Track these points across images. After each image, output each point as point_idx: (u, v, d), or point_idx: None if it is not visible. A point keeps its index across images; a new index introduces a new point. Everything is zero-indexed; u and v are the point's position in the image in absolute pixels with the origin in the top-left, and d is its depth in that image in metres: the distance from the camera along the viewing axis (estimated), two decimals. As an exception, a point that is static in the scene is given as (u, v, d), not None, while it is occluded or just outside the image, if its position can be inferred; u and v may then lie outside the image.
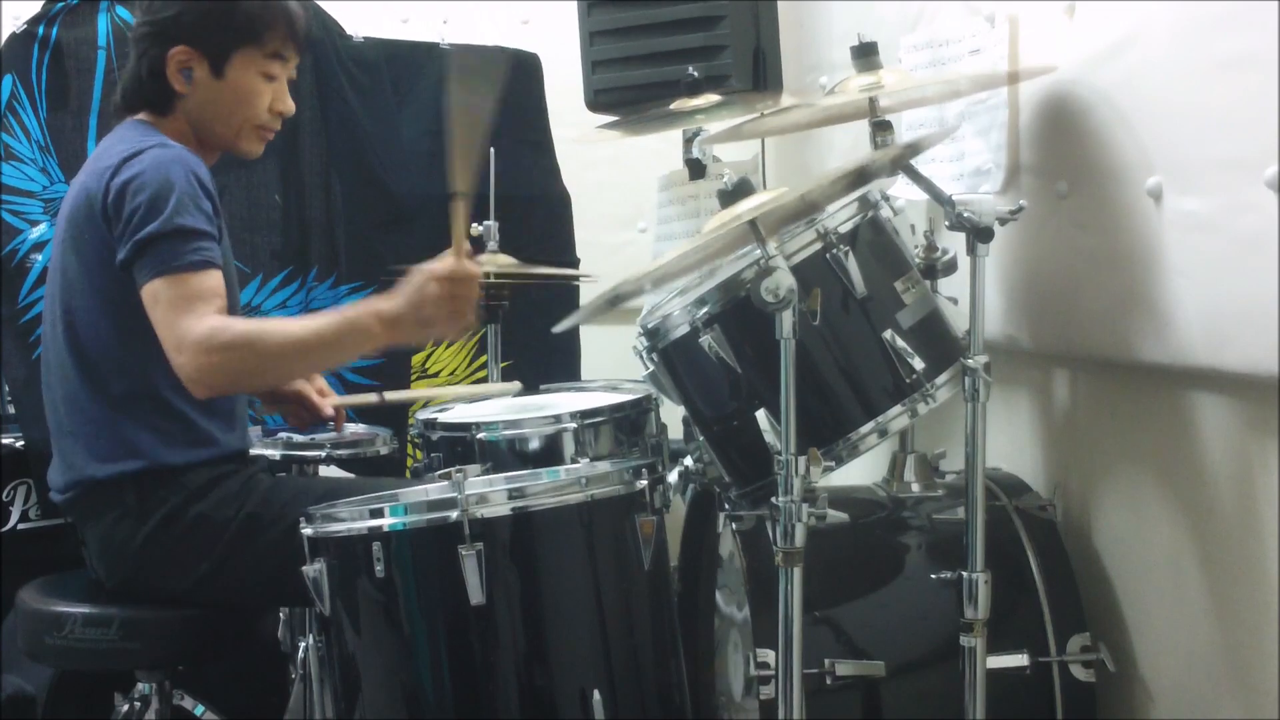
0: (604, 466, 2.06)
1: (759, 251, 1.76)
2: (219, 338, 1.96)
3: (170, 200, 2.02)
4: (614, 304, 1.98)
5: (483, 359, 3.26)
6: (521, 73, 3.40)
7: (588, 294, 3.10)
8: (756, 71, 2.79)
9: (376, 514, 1.91)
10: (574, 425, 2.37)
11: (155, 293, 2.00)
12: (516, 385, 2.70)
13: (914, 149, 2.01)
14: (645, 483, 1.96)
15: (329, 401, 2.52)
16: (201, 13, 2.16)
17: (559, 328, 2.15)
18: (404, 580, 1.89)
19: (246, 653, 2.45)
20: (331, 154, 3.22)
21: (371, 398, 2.63)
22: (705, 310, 1.93)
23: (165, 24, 2.16)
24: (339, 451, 2.68)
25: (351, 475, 2.78)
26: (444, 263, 2.02)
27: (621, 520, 1.95)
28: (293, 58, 2.26)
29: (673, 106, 2.43)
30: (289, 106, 2.27)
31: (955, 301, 2.04)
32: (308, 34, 2.30)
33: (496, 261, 2.84)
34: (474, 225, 2.91)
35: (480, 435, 2.38)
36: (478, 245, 2.89)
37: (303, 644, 2.45)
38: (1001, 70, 2.16)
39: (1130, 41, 1.89)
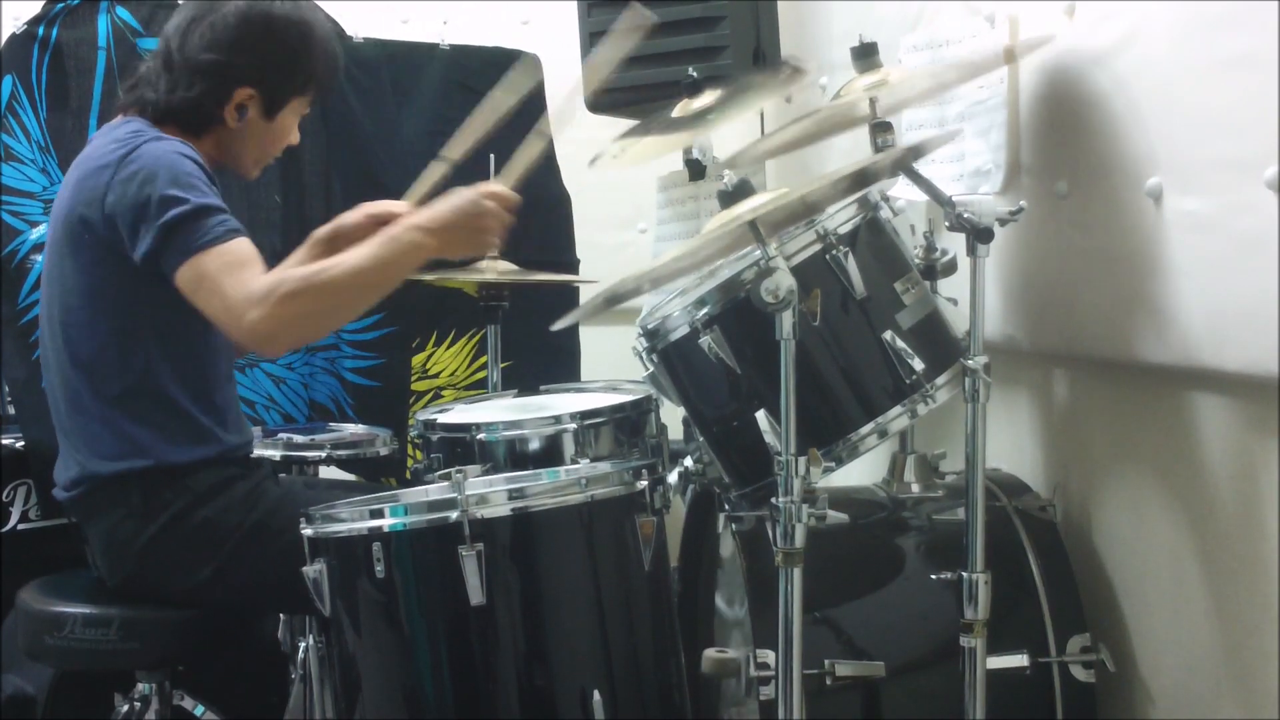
0: (604, 467, 2.06)
1: (759, 252, 1.76)
2: (283, 288, 1.97)
3: (183, 183, 2.04)
4: (612, 304, 1.99)
5: (482, 360, 3.26)
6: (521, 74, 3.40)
7: (588, 295, 3.10)
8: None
9: (377, 514, 1.91)
10: (574, 426, 2.37)
11: (194, 272, 2.00)
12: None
13: (916, 152, 2.01)
14: (645, 483, 1.97)
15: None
16: (274, 61, 2.22)
17: (558, 325, 2.16)
18: (404, 581, 1.89)
19: (246, 653, 2.46)
20: (331, 154, 3.22)
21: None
22: (705, 311, 1.93)
23: (238, 65, 2.19)
24: (339, 452, 2.68)
25: (353, 478, 2.78)
26: (481, 187, 2.16)
27: (621, 521, 1.95)
28: (318, 99, 2.37)
29: (675, 111, 2.42)
30: (297, 138, 2.36)
31: (955, 302, 2.04)
32: None
33: (496, 267, 2.84)
34: None
35: (480, 436, 2.38)
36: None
37: (303, 644, 2.45)
38: (1002, 76, 2.15)
39: (1130, 41, 1.89)
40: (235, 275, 1.99)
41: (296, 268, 2.09)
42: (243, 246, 2.03)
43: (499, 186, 2.20)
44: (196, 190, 2.04)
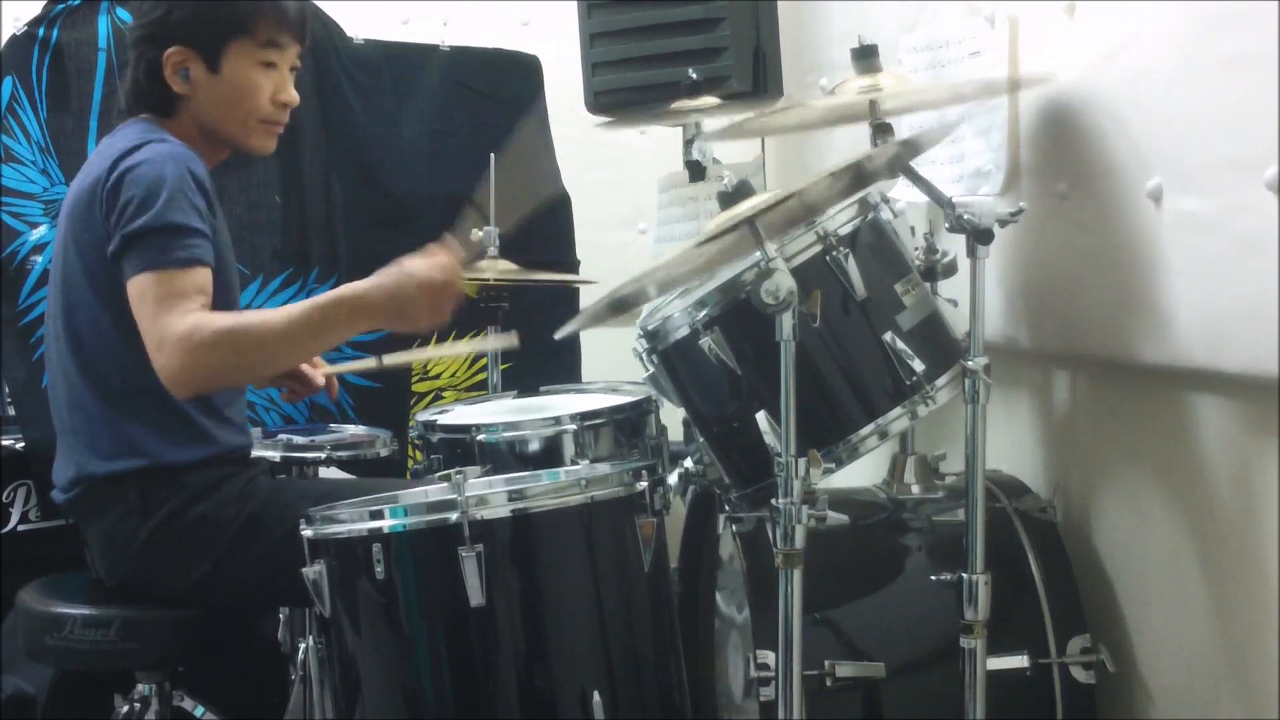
0: (604, 468, 2.06)
1: (759, 253, 1.76)
2: (198, 335, 1.93)
3: (162, 195, 2.01)
4: (615, 309, 1.99)
5: (483, 361, 3.26)
6: (521, 74, 3.40)
7: (588, 296, 3.10)
8: (756, 73, 2.79)
9: (376, 515, 1.91)
10: (574, 427, 2.37)
11: (141, 288, 1.99)
12: (513, 339, 2.59)
13: (912, 146, 2.01)
14: (645, 484, 1.96)
15: (320, 371, 2.47)
16: (190, 10, 2.16)
17: (560, 334, 2.15)
18: (404, 582, 1.89)
19: (246, 653, 2.45)
20: (331, 154, 3.22)
21: (370, 362, 2.52)
22: (705, 312, 1.93)
23: (156, 26, 2.16)
24: (339, 453, 2.68)
25: (351, 477, 2.78)
26: (426, 262, 2.02)
27: (621, 522, 1.95)
28: (290, 45, 2.22)
29: (672, 107, 2.43)
30: (292, 96, 2.24)
31: (955, 303, 2.04)
32: (302, 20, 2.26)
33: (496, 267, 2.84)
34: (473, 231, 2.91)
35: (480, 437, 2.38)
36: (477, 251, 2.89)
37: (303, 645, 2.45)
38: (1002, 76, 2.15)
39: (1130, 42, 1.89)
40: (167, 306, 1.95)
41: (223, 314, 2.00)
42: (191, 277, 1.99)
43: (448, 259, 2.04)
44: (174, 205, 2.01)
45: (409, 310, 2.03)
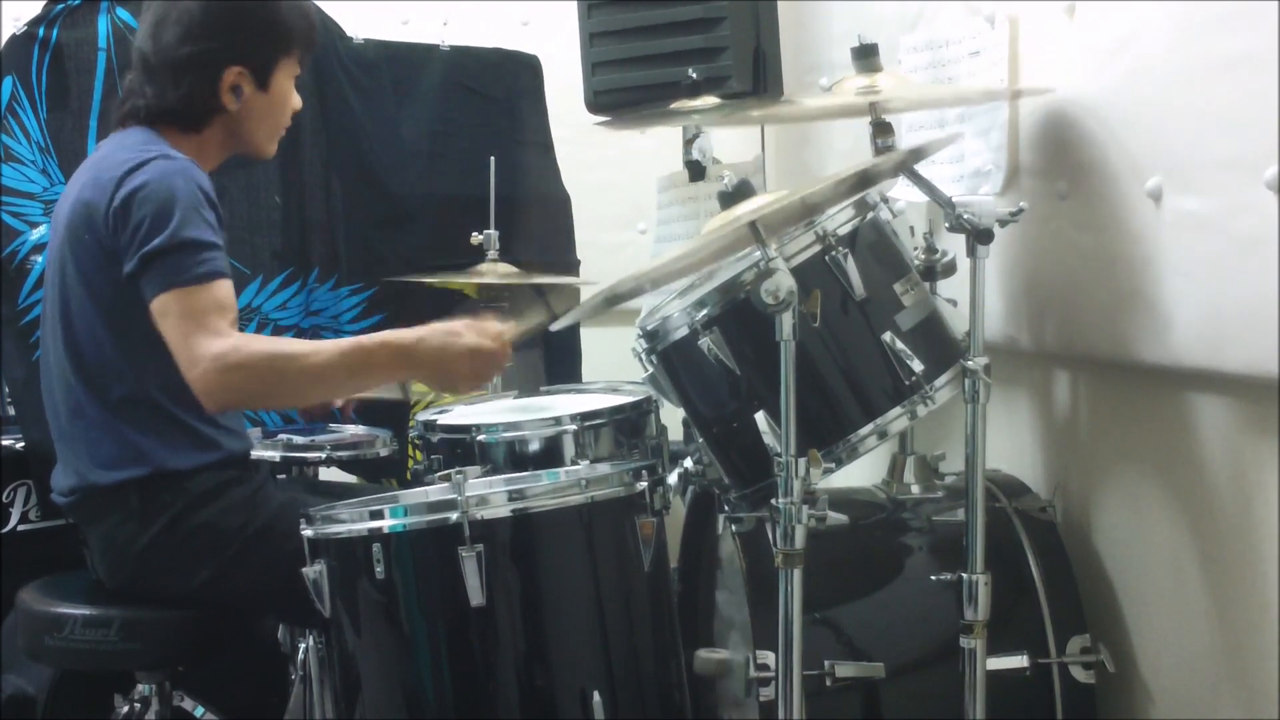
0: (604, 468, 2.06)
1: (759, 253, 1.76)
2: (235, 356, 1.95)
3: (175, 212, 2.02)
4: (612, 304, 1.99)
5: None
6: (521, 74, 3.40)
7: (588, 296, 3.10)
8: (756, 72, 2.79)
9: (377, 515, 1.91)
10: (574, 427, 2.37)
11: (165, 307, 2.00)
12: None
13: (918, 154, 2.02)
14: (645, 484, 1.97)
15: None
16: (249, 32, 2.19)
17: (557, 326, 2.16)
18: (404, 582, 1.89)
19: (246, 653, 2.46)
20: (331, 154, 3.22)
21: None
22: (705, 312, 1.93)
23: (215, 48, 2.17)
24: (339, 453, 2.68)
25: (354, 479, 2.78)
26: (477, 327, 2.06)
27: (621, 522, 1.95)
28: (308, 55, 2.31)
29: (672, 108, 2.43)
30: (299, 102, 2.31)
31: (955, 303, 2.04)
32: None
33: (497, 270, 2.84)
34: (474, 234, 2.92)
35: (480, 437, 2.38)
36: (477, 252, 2.90)
37: (303, 645, 2.45)
38: (1003, 81, 2.15)
39: (1130, 42, 1.88)
40: (198, 323, 1.97)
41: (263, 339, 2.03)
42: (216, 291, 2.01)
43: (501, 331, 2.09)
44: (188, 222, 2.02)
45: (451, 371, 2.06)
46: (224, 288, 2.03)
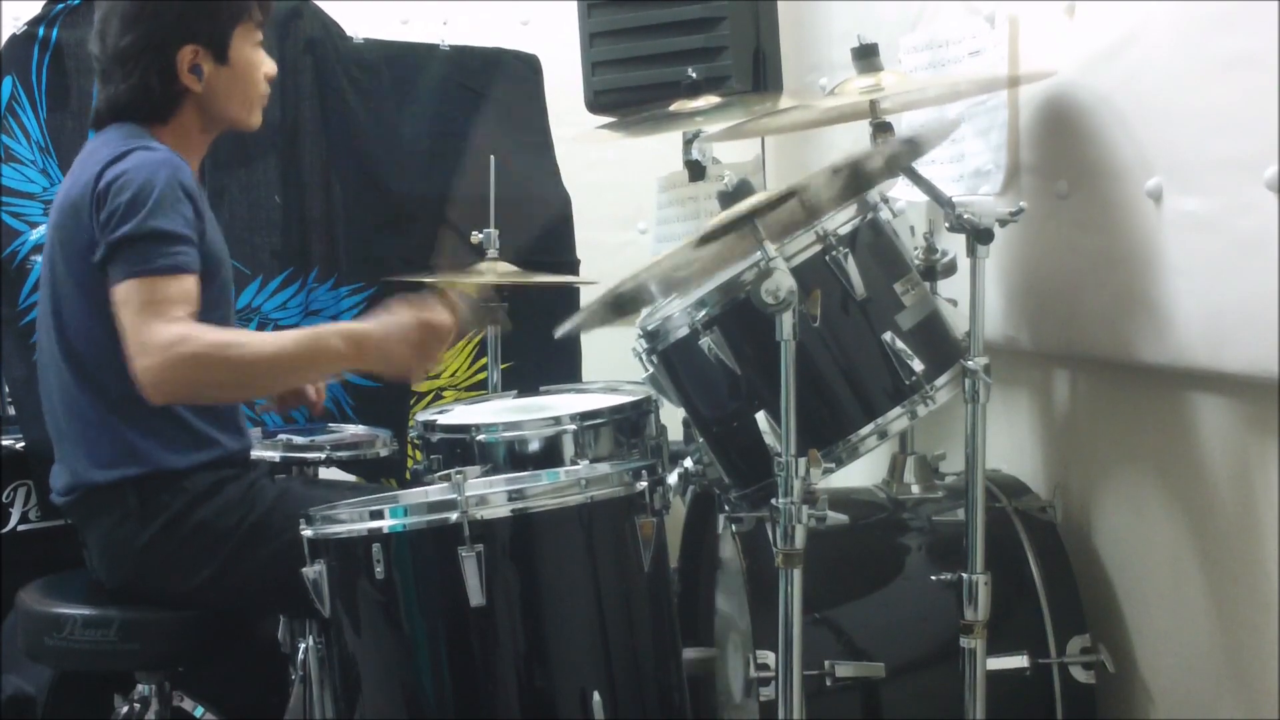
0: (604, 468, 2.06)
1: (759, 253, 1.76)
2: (184, 346, 1.93)
3: (148, 202, 2.01)
4: (616, 309, 1.98)
5: (483, 361, 3.25)
6: (521, 74, 3.40)
7: (588, 296, 3.10)
8: (756, 72, 2.79)
9: (376, 515, 1.91)
10: (574, 427, 2.37)
11: (125, 294, 1.98)
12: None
13: (914, 146, 2.01)
14: (645, 484, 1.96)
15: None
16: (194, 7, 2.15)
17: (559, 332, 2.15)
18: (404, 582, 1.89)
19: (246, 653, 2.45)
20: (331, 154, 3.22)
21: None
22: (705, 312, 1.93)
23: (165, 31, 2.15)
24: (339, 453, 2.68)
25: (353, 479, 2.78)
26: (423, 311, 2.06)
27: (621, 522, 1.95)
28: (266, 16, 2.26)
29: (672, 108, 2.43)
30: (272, 67, 2.28)
31: (955, 303, 2.04)
32: None
33: (497, 269, 2.84)
34: (474, 233, 2.91)
35: (480, 437, 2.38)
36: (478, 253, 2.90)
37: (303, 645, 2.44)
38: (1001, 72, 2.16)
39: (1130, 41, 1.88)
40: (151, 312, 1.95)
41: (213, 329, 2.00)
42: (175, 284, 1.98)
43: (442, 315, 2.09)
44: (159, 212, 2.01)
45: (401, 357, 2.06)
46: (187, 282, 2.00)
